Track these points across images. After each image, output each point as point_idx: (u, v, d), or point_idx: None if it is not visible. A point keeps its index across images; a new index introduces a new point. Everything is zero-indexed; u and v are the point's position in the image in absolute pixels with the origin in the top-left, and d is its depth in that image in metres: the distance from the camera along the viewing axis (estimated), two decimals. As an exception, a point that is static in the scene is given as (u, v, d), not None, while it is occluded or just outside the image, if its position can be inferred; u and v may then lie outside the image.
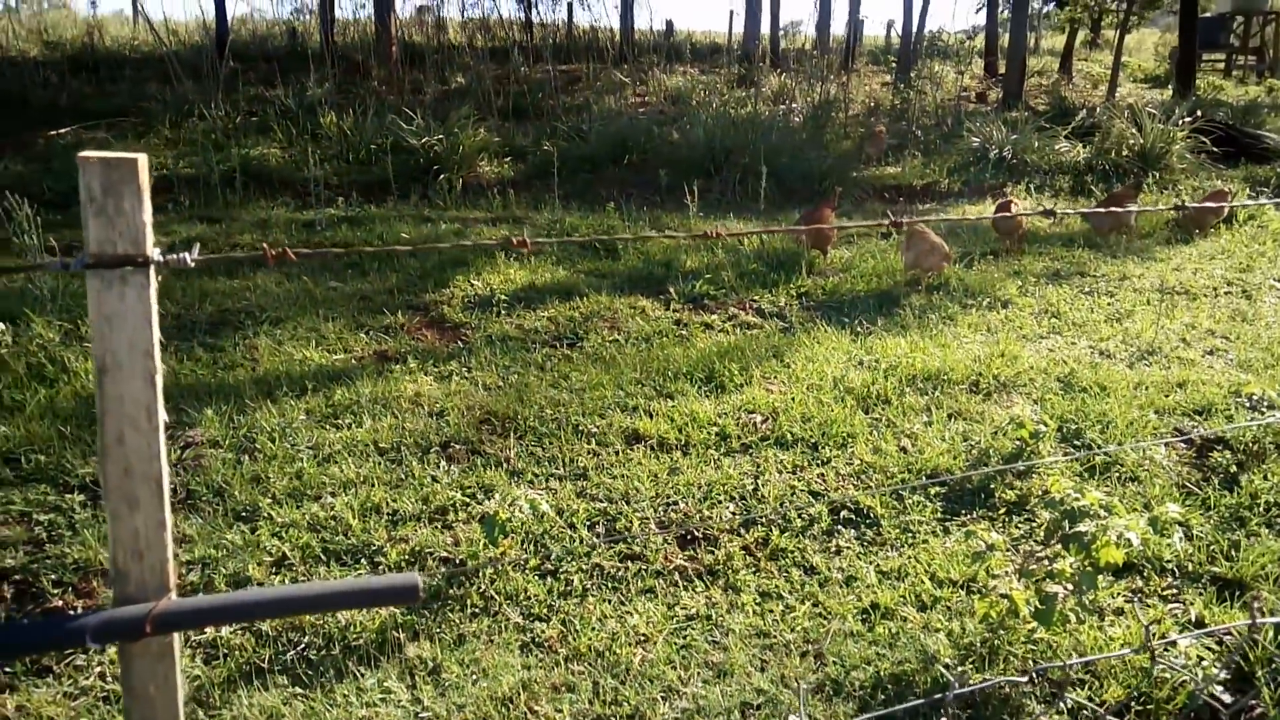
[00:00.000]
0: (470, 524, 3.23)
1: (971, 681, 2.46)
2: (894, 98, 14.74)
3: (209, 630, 2.66)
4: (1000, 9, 21.70)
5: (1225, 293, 6.11)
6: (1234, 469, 3.64)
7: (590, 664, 2.57)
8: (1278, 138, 11.67)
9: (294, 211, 8.00)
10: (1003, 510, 3.36)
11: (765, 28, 19.39)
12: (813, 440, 3.86)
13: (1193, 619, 2.76)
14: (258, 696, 2.41)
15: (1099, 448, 3.75)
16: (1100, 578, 2.60)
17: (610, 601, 2.85)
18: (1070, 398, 4.27)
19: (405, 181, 8.93)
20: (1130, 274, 6.48)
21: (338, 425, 3.92)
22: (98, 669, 2.51)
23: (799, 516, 3.30)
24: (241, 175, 8.48)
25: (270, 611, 1.31)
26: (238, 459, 3.60)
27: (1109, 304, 5.81)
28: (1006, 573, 2.97)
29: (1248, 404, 4.16)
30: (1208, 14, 21.98)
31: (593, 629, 2.71)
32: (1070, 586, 2.58)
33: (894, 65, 18.13)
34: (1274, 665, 2.44)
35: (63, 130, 10.16)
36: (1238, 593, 2.89)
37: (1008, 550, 3.09)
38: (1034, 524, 3.27)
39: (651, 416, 4.03)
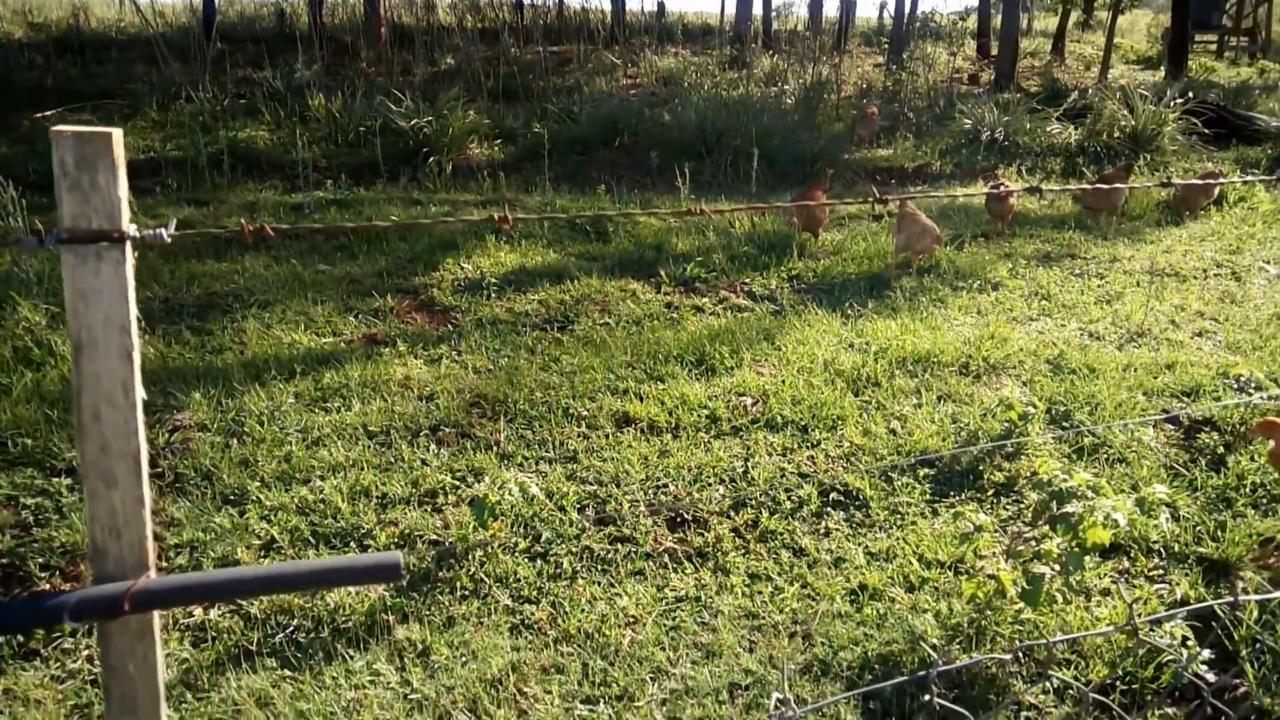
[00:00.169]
0: (460, 507, 3.23)
1: (957, 661, 2.47)
2: (886, 79, 14.69)
3: (197, 613, 2.66)
4: (993, -10, 21.61)
5: (1214, 275, 6.12)
6: (1221, 450, 3.66)
7: (579, 645, 2.58)
8: (1269, 119, 11.66)
9: (282, 194, 7.95)
10: (991, 492, 3.38)
11: (758, 9, 19.28)
12: (803, 423, 3.86)
13: (1178, 599, 2.78)
14: (246, 679, 2.41)
15: (1088, 429, 3.76)
16: (1087, 558, 2.61)
17: (600, 584, 2.85)
18: (1059, 380, 4.28)
19: (394, 164, 8.87)
20: (1120, 256, 6.49)
21: (326, 409, 3.90)
22: (85, 652, 2.50)
23: (788, 498, 3.31)
24: (229, 158, 8.41)
25: (251, 589, 1.30)
26: (226, 442, 3.59)
27: (1099, 286, 5.81)
28: (994, 554, 2.98)
29: (1235, 385, 4.17)
30: (1200, -5, 21.91)
31: (582, 611, 2.71)
32: (1057, 567, 2.59)
33: (887, 47, 18.05)
34: (1258, 645, 2.46)
35: (48, 112, 10.04)
36: (1224, 574, 2.91)
37: (996, 531, 3.10)
38: (1022, 505, 3.28)
39: (642, 399, 4.03)
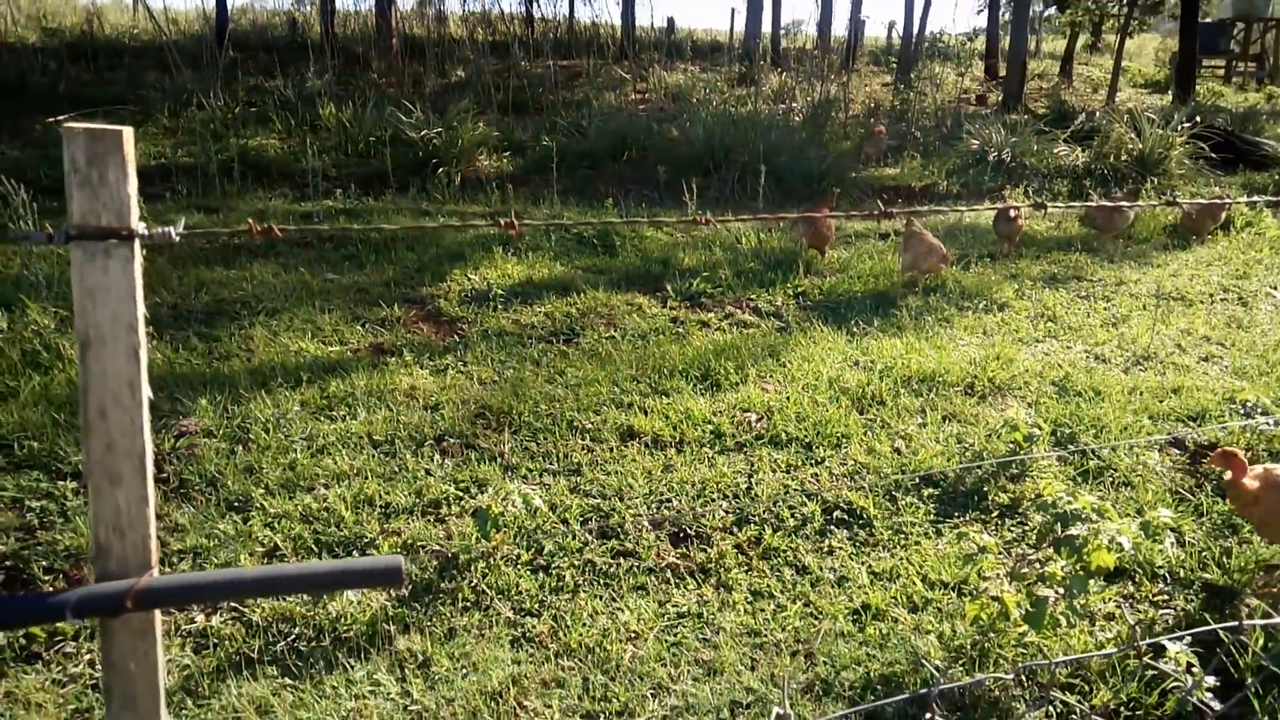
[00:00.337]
0: (463, 518, 3.23)
1: (958, 681, 2.46)
2: (894, 98, 14.74)
3: (199, 619, 2.66)
4: (1001, 11, 21.69)
5: (1221, 299, 6.12)
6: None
7: (580, 660, 2.57)
8: (1277, 145, 11.68)
9: (292, 203, 7.99)
10: (995, 513, 3.37)
11: (766, 26, 19.38)
12: (807, 440, 3.86)
13: (1183, 625, 2.77)
14: (247, 686, 2.41)
15: (1093, 452, 3.76)
16: (1091, 582, 2.60)
17: (602, 598, 2.85)
18: (1065, 402, 4.27)
19: (404, 174, 8.91)
20: (1127, 279, 6.49)
21: (332, 417, 3.91)
22: (86, 656, 2.50)
23: (792, 516, 3.30)
24: (240, 165, 8.46)
25: (252, 590, 1.30)
26: (231, 449, 3.60)
27: (1105, 309, 5.81)
28: (998, 575, 2.97)
29: (1242, 411, 4.16)
30: (1209, 20, 22.00)
31: (584, 625, 2.71)
32: (1061, 590, 2.59)
33: (895, 66, 18.12)
34: (1264, 672, 2.45)
35: (60, 117, 10.09)
36: (1229, 600, 2.89)
37: (1000, 553, 3.09)
38: (1026, 527, 3.27)
39: (646, 414, 4.03)
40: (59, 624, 2.58)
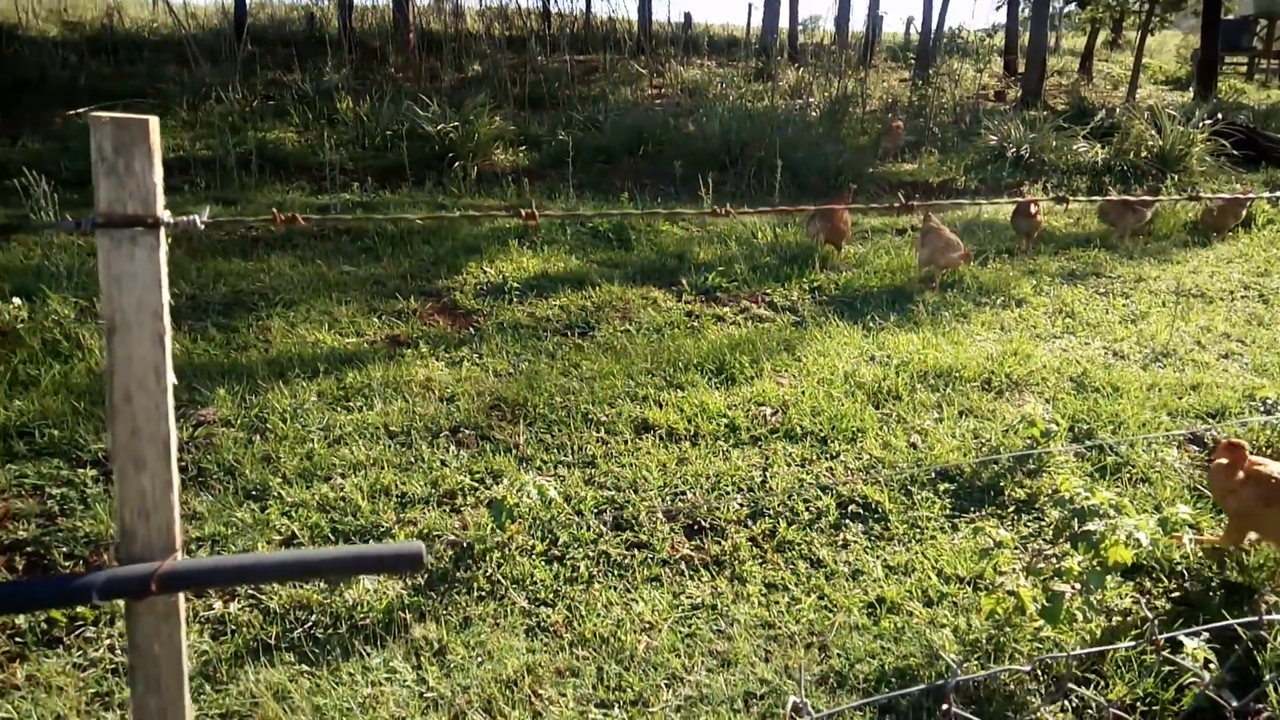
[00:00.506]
0: (478, 508, 3.24)
1: (975, 674, 2.45)
2: (912, 94, 14.66)
3: (217, 605, 2.68)
4: (1021, 7, 21.55)
5: (1242, 296, 6.06)
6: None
7: (595, 650, 2.58)
8: (1299, 142, 11.55)
9: (309, 196, 8.03)
10: (1012, 508, 3.35)
11: (784, 22, 19.30)
12: (822, 434, 3.85)
13: (1200, 621, 2.75)
14: (265, 673, 2.43)
15: (1110, 448, 3.73)
16: (1108, 578, 2.59)
17: (616, 589, 2.85)
18: (1083, 398, 4.25)
19: (420, 168, 8.93)
20: (1146, 276, 6.44)
21: (349, 408, 3.93)
22: (107, 641, 2.53)
23: (806, 509, 3.30)
24: (257, 158, 8.51)
25: (275, 574, 1.32)
26: (249, 438, 3.62)
27: (1124, 305, 5.77)
28: (1014, 570, 2.96)
29: (1262, 408, 4.13)
30: (1231, 16, 21.76)
31: (598, 615, 2.71)
32: (1078, 585, 2.58)
33: (913, 62, 18.03)
34: (1281, 669, 2.43)
35: (81, 110, 10.19)
36: (1248, 597, 2.87)
37: (1016, 548, 3.08)
38: (1043, 523, 3.26)
39: (661, 407, 4.03)
40: (79, 609, 2.60)
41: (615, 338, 4.88)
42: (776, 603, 2.80)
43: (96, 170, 1.17)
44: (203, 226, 1.29)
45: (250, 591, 2.74)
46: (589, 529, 3.13)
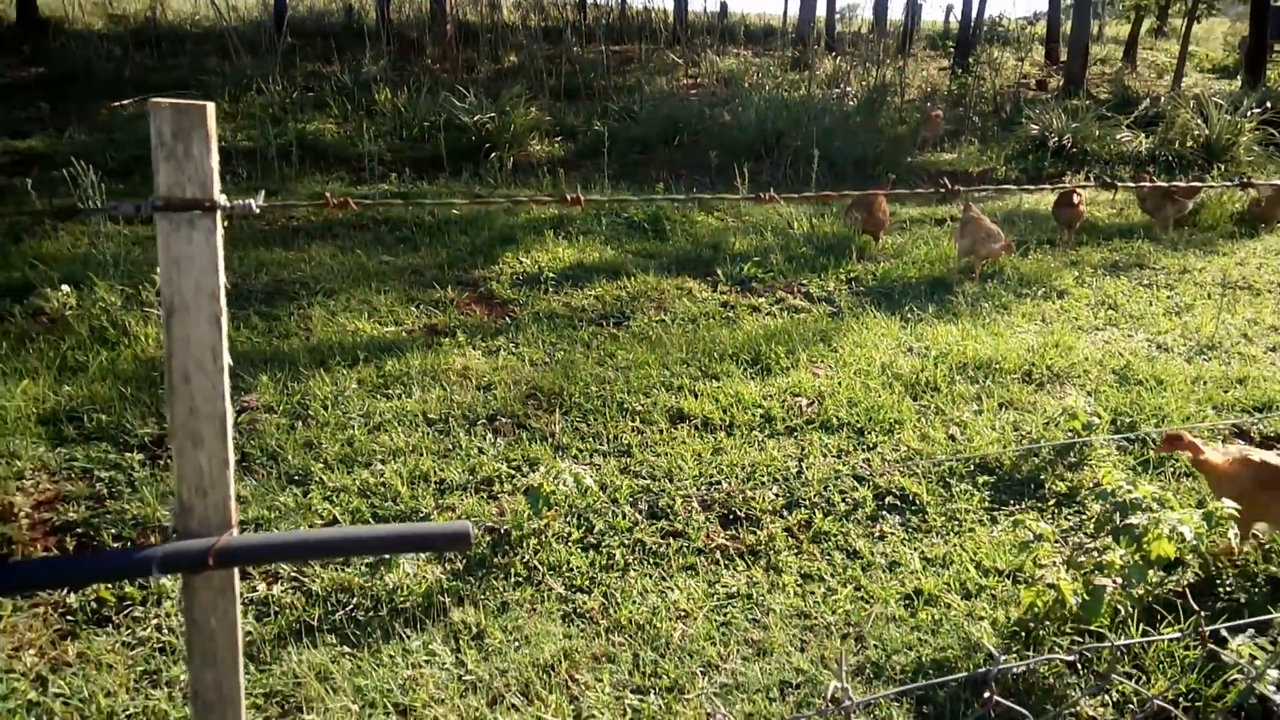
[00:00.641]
0: (515, 495, 3.27)
1: (1015, 664, 2.43)
2: (951, 83, 14.49)
3: (260, 587, 2.73)
4: (1063, -5, 21.17)
5: (1291, 289, 5.93)
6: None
7: (631, 636, 2.59)
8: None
9: (348, 186, 8.11)
10: (1052, 501, 3.32)
11: (821, 10, 19.16)
12: (859, 425, 3.83)
13: (1245, 616, 2.70)
14: (307, 654, 2.47)
15: (1154, 442, 3.67)
16: (1150, 572, 2.55)
17: (651, 576, 2.86)
18: (1125, 390, 4.18)
19: (457, 159, 8.99)
20: (1191, 267, 6.32)
21: (388, 395, 3.98)
22: (154, 620, 2.58)
23: (843, 500, 3.29)
24: (298, 149, 8.61)
25: (327, 550, 1.34)
26: (291, 424, 3.68)
27: (1168, 297, 5.67)
28: (1054, 563, 2.92)
29: (1311, 402, 4.04)
30: (1279, 3, 21.22)
31: (634, 602, 2.73)
32: (1119, 579, 2.54)
33: (952, 51, 17.81)
34: (1330, 666, 2.38)
35: (125, 102, 10.38)
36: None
37: (1056, 541, 3.04)
38: (1084, 516, 3.22)
39: (696, 396, 4.03)
40: (128, 589, 2.66)
41: (650, 328, 4.89)
42: (812, 593, 2.80)
43: (156, 155, 1.19)
44: (258, 210, 1.32)
45: (293, 574, 2.79)
46: (624, 517, 3.15)
